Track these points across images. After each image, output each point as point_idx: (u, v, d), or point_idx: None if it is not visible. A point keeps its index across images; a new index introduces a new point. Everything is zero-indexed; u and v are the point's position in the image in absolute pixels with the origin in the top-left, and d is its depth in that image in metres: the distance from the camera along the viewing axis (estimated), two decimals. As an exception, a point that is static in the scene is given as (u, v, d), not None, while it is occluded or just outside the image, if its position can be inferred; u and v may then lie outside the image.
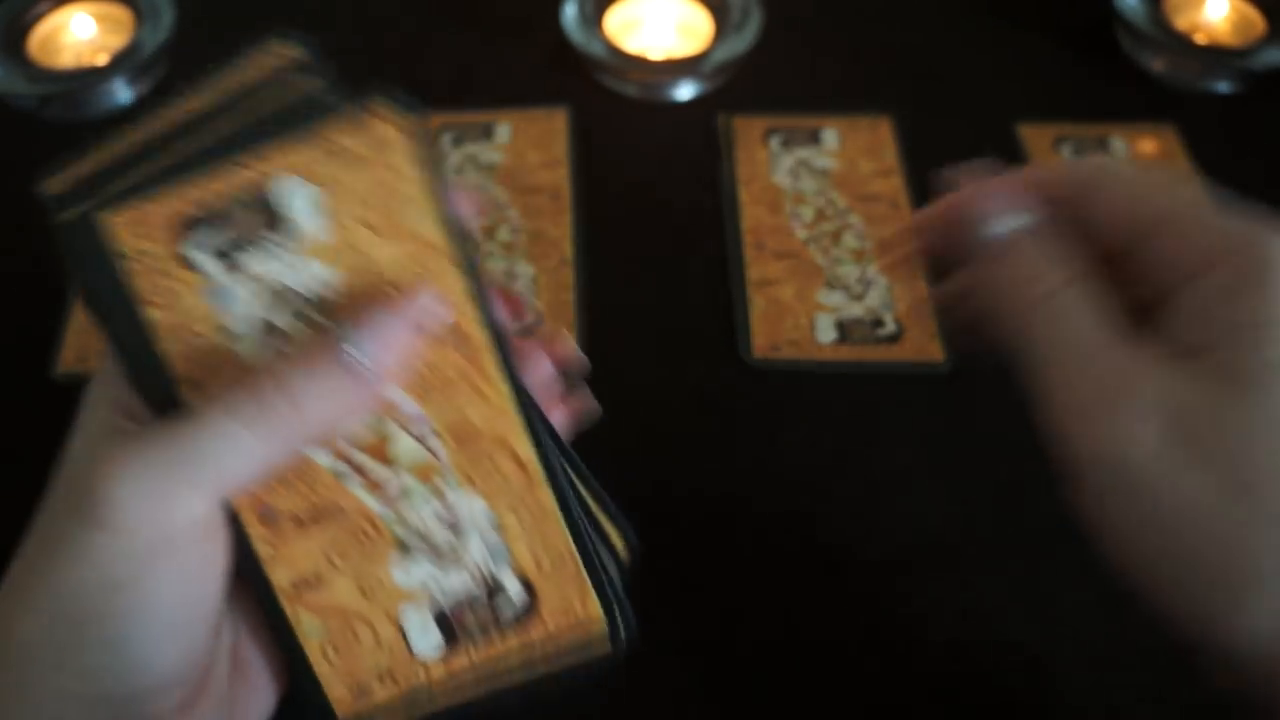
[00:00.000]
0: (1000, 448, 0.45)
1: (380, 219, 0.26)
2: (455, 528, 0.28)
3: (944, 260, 0.31)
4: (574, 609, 0.29)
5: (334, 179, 0.26)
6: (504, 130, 0.56)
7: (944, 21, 0.62)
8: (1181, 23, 0.59)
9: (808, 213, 0.53)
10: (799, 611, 0.41)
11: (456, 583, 0.28)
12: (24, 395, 0.47)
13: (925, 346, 0.48)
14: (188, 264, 0.26)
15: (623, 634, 0.29)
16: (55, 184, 0.27)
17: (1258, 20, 0.59)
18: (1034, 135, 0.56)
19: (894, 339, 0.48)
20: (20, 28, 0.58)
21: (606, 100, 0.57)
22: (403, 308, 0.26)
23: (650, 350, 0.48)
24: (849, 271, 0.50)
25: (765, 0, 0.59)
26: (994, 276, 0.29)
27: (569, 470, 0.29)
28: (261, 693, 0.29)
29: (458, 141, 0.55)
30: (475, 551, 0.28)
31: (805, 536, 0.43)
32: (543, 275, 0.50)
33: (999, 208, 0.29)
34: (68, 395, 0.46)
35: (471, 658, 0.29)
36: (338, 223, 0.26)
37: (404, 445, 0.28)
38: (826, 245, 0.51)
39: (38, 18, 0.58)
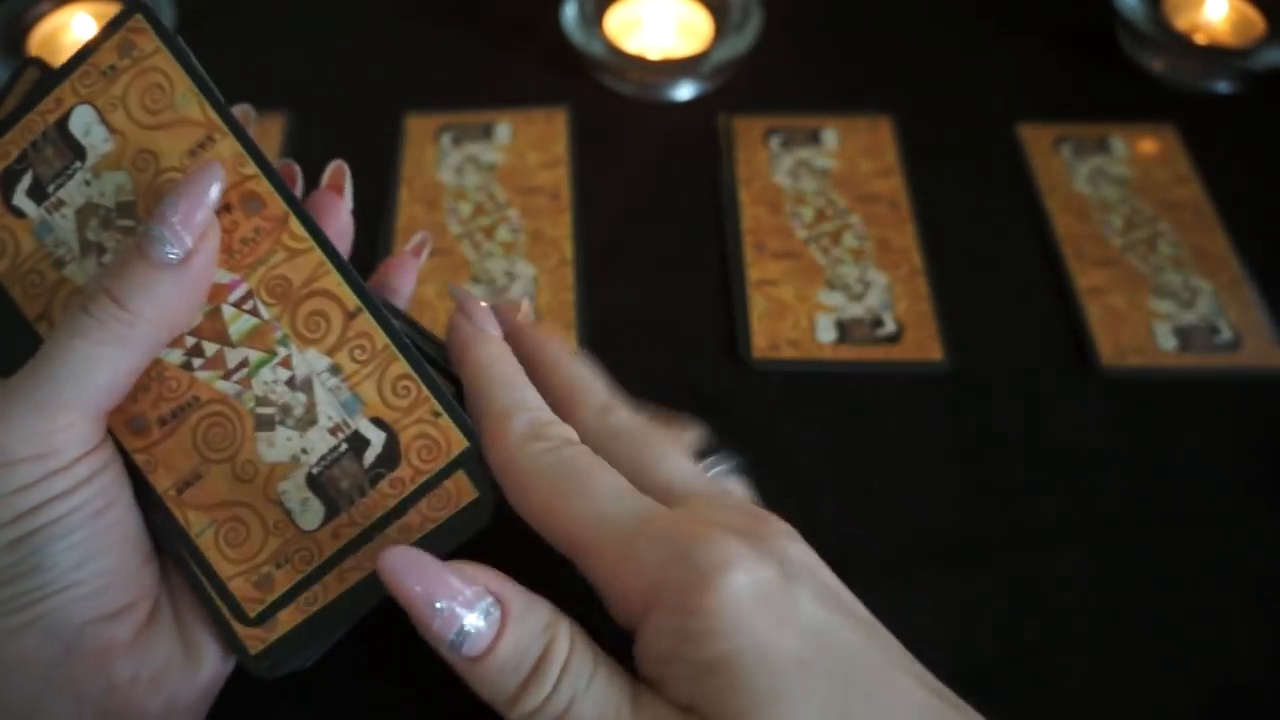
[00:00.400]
0: (1000, 448, 0.45)
1: (152, 116, 0.29)
2: (302, 386, 0.29)
3: None
4: (433, 437, 0.29)
5: (106, 94, 0.29)
6: (504, 130, 0.56)
7: (944, 21, 0.62)
8: (1181, 23, 0.59)
9: (808, 213, 0.53)
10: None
11: (318, 442, 0.29)
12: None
13: (925, 346, 0.48)
14: (14, 211, 0.30)
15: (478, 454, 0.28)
16: None
17: (1258, 20, 0.59)
18: (1034, 135, 0.56)
19: (894, 339, 0.48)
20: (20, 28, 0.58)
21: (606, 100, 0.57)
22: (182, 185, 0.28)
23: (650, 350, 0.48)
24: (849, 271, 0.50)
25: (765, 0, 0.59)
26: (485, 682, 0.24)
27: (383, 305, 0.30)
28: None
29: (457, 141, 0.55)
30: (327, 405, 0.29)
31: (804, 536, 0.43)
32: (543, 275, 0.50)
33: (458, 602, 0.24)
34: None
35: (354, 519, 0.29)
36: (119, 131, 0.29)
37: (232, 318, 0.29)
38: (826, 245, 0.51)
39: (38, 18, 0.58)
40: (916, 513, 0.43)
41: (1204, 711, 0.39)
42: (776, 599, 0.24)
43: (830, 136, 0.56)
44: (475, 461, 0.28)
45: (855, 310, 0.49)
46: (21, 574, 0.26)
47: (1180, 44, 0.57)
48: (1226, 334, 0.48)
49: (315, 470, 0.29)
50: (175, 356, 0.29)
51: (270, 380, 0.29)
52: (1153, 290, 0.50)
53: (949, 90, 0.58)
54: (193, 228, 0.27)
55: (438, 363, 0.31)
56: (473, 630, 0.24)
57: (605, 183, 0.54)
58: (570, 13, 0.58)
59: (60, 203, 0.29)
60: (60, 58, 0.58)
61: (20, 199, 0.30)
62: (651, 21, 0.59)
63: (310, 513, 0.29)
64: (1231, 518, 0.43)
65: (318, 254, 0.29)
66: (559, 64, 0.59)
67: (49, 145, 0.29)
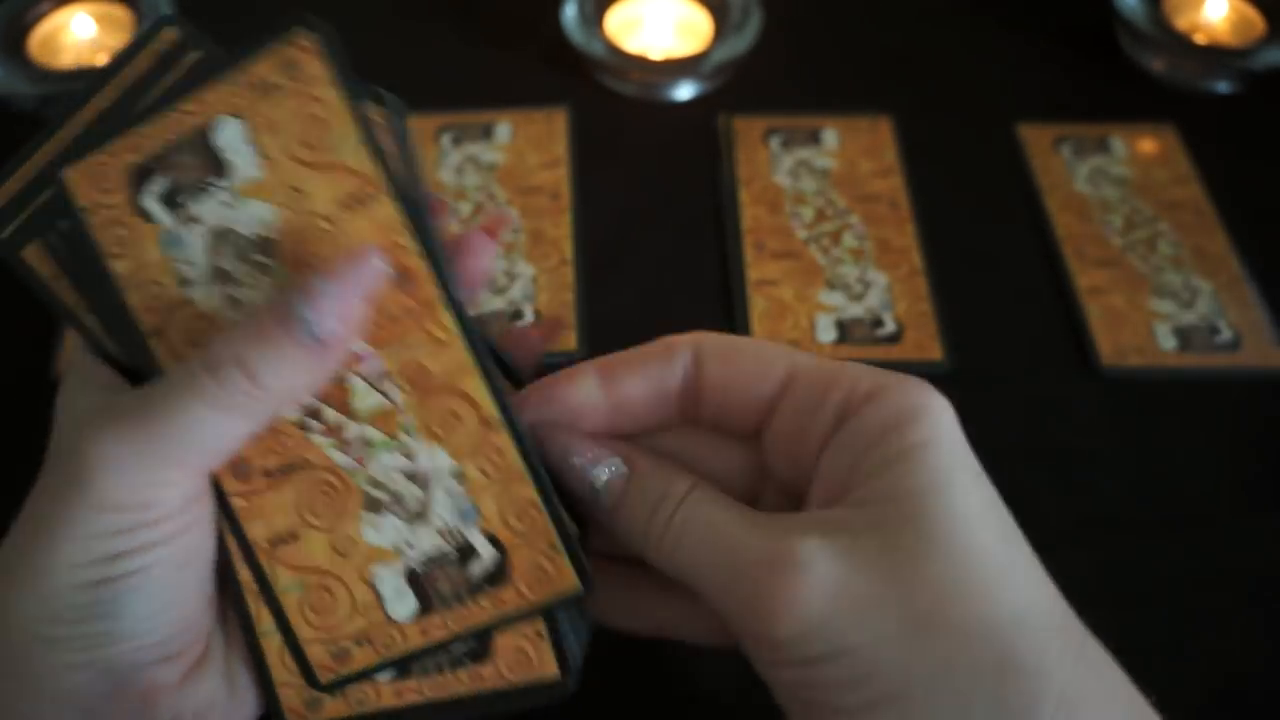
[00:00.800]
0: (1001, 447, 0.45)
1: (308, 151, 0.27)
2: (420, 482, 0.28)
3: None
4: (545, 569, 0.28)
5: (260, 113, 0.27)
6: (504, 130, 0.56)
7: (944, 21, 0.62)
8: (1181, 23, 0.59)
9: (808, 213, 0.53)
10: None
11: (426, 542, 0.28)
12: (24, 395, 0.47)
13: (925, 346, 0.48)
14: (143, 214, 0.27)
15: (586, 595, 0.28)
16: None
17: (1257, 20, 0.59)
18: (1034, 135, 0.56)
19: (894, 339, 0.48)
20: (20, 28, 0.58)
21: (606, 100, 0.57)
22: (342, 269, 0.26)
23: (650, 350, 0.48)
24: (849, 271, 0.50)
25: (765, 0, 0.59)
26: (622, 529, 0.28)
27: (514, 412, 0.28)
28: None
29: (458, 141, 0.55)
30: (442, 508, 0.28)
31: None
32: (543, 275, 0.50)
33: (588, 461, 0.28)
34: (68, 395, 0.46)
35: (447, 623, 0.28)
36: (270, 159, 0.27)
37: (361, 393, 0.28)
38: (826, 245, 0.51)
39: (38, 18, 0.58)
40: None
41: (1204, 710, 0.39)
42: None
43: (830, 136, 0.56)
44: (583, 600, 0.28)
45: (855, 310, 0.49)
46: (94, 616, 0.25)
47: (1180, 44, 0.57)
48: (1226, 334, 0.48)
49: (417, 567, 0.28)
50: (292, 413, 0.28)
51: (389, 466, 0.28)
52: (1152, 290, 0.50)
53: (949, 90, 0.58)
54: (344, 319, 0.26)
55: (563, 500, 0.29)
56: (604, 479, 0.28)
57: (605, 183, 0.54)
58: (570, 13, 0.58)
59: (194, 219, 0.27)
60: (60, 57, 0.58)
61: (149, 202, 0.27)
62: (651, 21, 0.59)
63: (403, 604, 0.28)
64: (1231, 517, 0.43)
65: (463, 351, 0.27)
66: (559, 64, 0.59)
67: (189, 153, 0.27)
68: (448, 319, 0.27)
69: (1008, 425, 0.46)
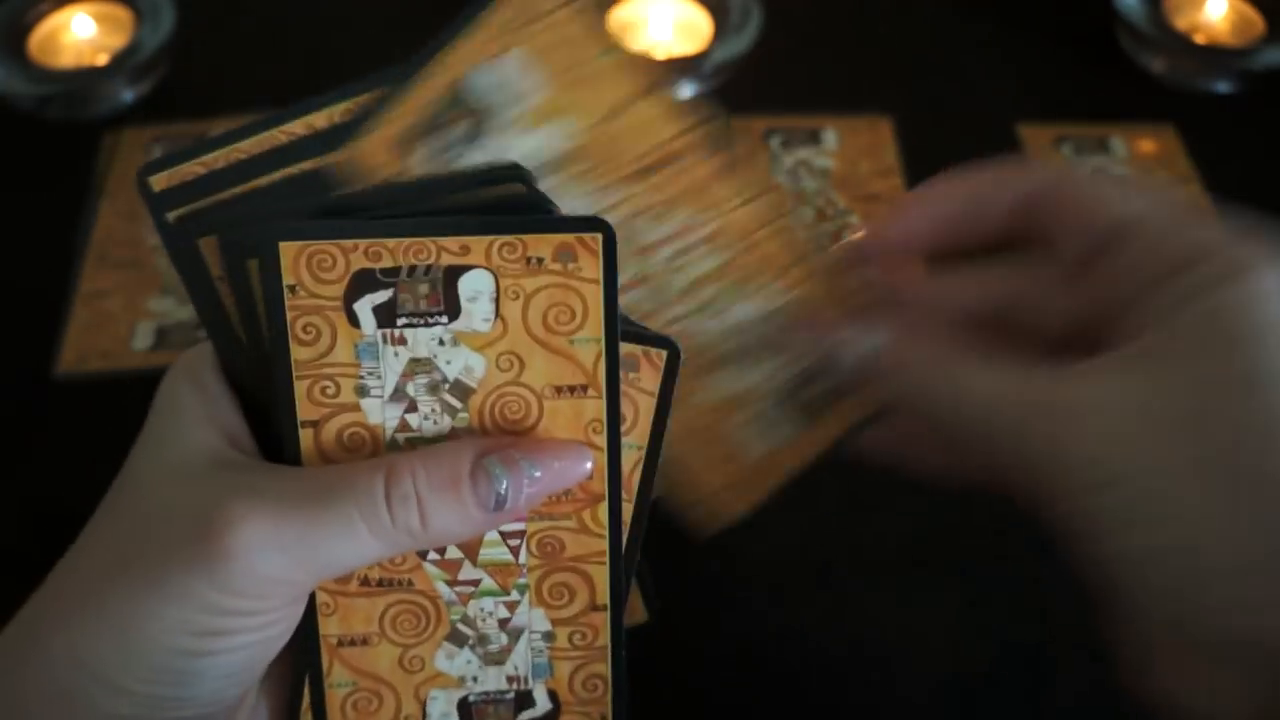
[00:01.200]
0: (1000, 448, 0.45)
1: (545, 331, 0.27)
2: (510, 632, 0.29)
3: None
4: None
5: (517, 282, 0.26)
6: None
7: (944, 21, 0.62)
8: (1181, 23, 0.59)
9: (808, 213, 0.53)
10: (798, 612, 0.41)
11: (491, 680, 0.29)
12: (24, 395, 0.47)
13: (925, 346, 0.48)
14: (351, 317, 0.26)
15: None
16: (160, 180, 0.28)
17: (1257, 20, 0.59)
18: (1034, 135, 0.56)
19: (894, 339, 0.48)
20: (20, 28, 0.58)
21: (606, 100, 0.57)
22: (557, 466, 0.26)
23: (650, 350, 0.48)
24: (849, 271, 0.50)
25: (765, 0, 0.59)
26: (897, 393, 0.29)
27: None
28: None
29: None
30: (520, 659, 0.29)
31: (804, 537, 0.43)
32: (543, 275, 0.50)
33: (853, 335, 0.30)
34: (68, 395, 0.46)
35: None
36: (505, 322, 0.26)
37: (492, 544, 0.28)
38: (827, 245, 0.51)
39: (38, 18, 0.58)
40: (916, 513, 0.43)
41: (1204, 711, 0.39)
42: None
43: (830, 136, 0.56)
44: None
45: (855, 310, 0.49)
46: (169, 682, 0.25)
47: (1180, 44, 0.57)
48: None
49: (473, 698, 0.29)
50: None
51: (487, 610, 0.28)
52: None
53: (949, 90, 0.58)
54: (532, 501, 0.26)
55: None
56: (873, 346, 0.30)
57: (605, 183, 0.54)
58: (570, 13, 0.58)
59: (402, 340, 0.26)
60: (60, 57, 0.58)
61: (363, 307, 0.26)
62: (652, 22, 0.59)
63: None
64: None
65: (604, 546, 0.28)
66: (559, 64, 0.59)
67: (427, 283, 0.26)
68: (604, 515, 0.28)
69: (1008, 425, 0.46)
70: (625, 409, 0.27)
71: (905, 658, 0.40)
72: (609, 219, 0.26)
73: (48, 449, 0.45)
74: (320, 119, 0.28)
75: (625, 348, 0.26)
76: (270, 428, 0.27)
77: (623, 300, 0.27)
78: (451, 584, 0.28)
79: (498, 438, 0.27)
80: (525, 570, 0.28)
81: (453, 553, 0.28)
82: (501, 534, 0.28)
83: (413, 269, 0.26)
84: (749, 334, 0.30)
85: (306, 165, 0.28)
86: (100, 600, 0.25)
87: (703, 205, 0.29)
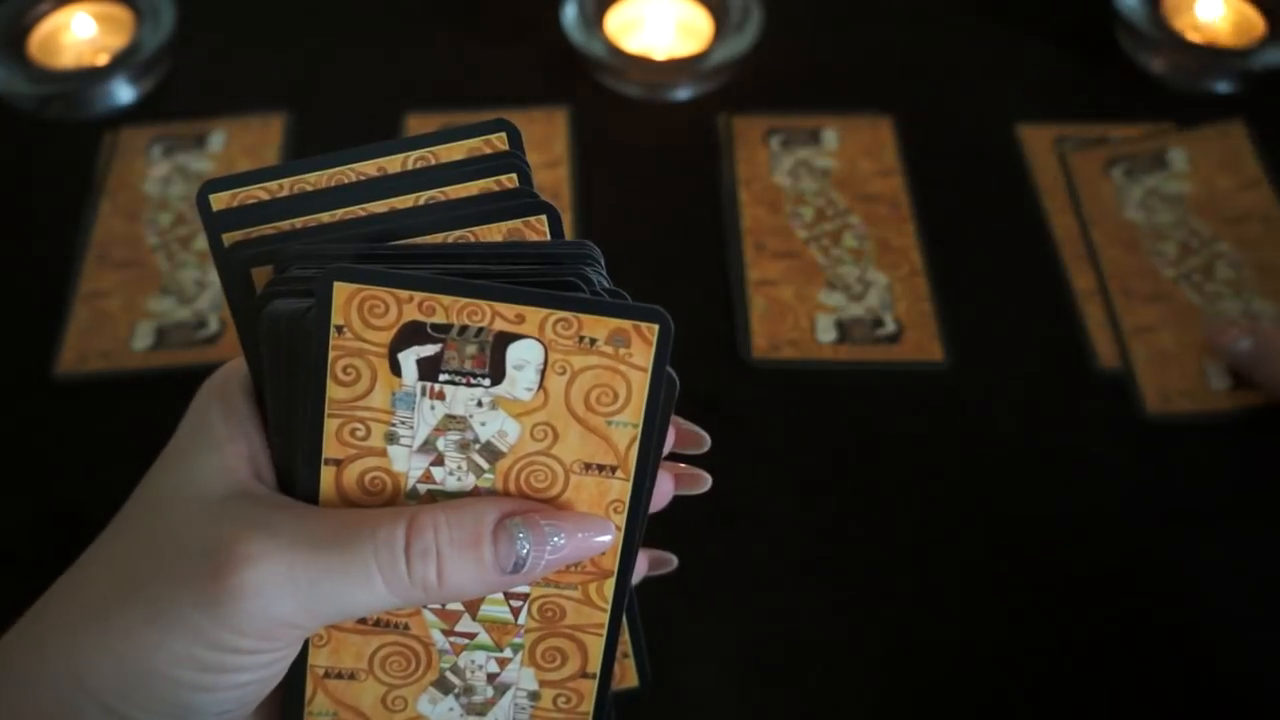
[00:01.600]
0: (1000, 447, 0.45)
1: (585, 409, 0.27)
2: (497, 687, 0.29)
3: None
4: None
5: (567, 357, 0.26)
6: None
7: (944, 21, 0.62)
8: (1181, 23, 0.59)
9: (808, 213, 0.53)
10: (798, 611, 0.41)
11: None
12: (24, 395, 0.47)
13: (925, 346, 0.48)
14: (394, 365, 0.26)
15: None
16: (220, 199, 0.28)
17: (1257, 20, 0.59)
18: (1034, 135, 0.56)
19: (894, 339, 0.48)
20: (20, 28, 0.58)
21: (606, 100, 0.57)
22: (580, 538, 0.27)
23: (650, 350, 0.48)
24: (849, 271, 0.50)
25: (765, 0, 0.59)
26: (1258, 356, 0.46)
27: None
28: None
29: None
30: (502, 712, 0.29)
31: (805, 535, 0.43)
32: (543, 275, 0.50)
33: (1234, 338, 0.46)
34: (68, 395, 0.46)
35: None
36: (547, 394, 0.27)
37: (493, 602, 0.28)
38: (826, 245, 0.51)
39: (38, 18, 0.58)
40: (916, 512, 0.43)
41: (1206, 709, 0.39)
42: None
43: (830, 136, 0.56)
44: None
45: (855, 310, 0.49)
46: (167, 714, 0.25)
47: (1180, 44, 0.57)
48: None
49: None
50: None
51: (478, 663, 0.29)
52: (1153, 290, 0.50)
53: (949, 90, 0.58)
54: (552, 566, 0.26)
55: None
56: (1244, 346, 0.46)
57: (605, 183, 0.54)
58: (570, 13, 0.58)
59: (440, 395, 0.26)
60: (60, 57, 0.58)
61: (407, 357, 0.26)
62: (652, 22, 0.59)
63: None
64: (1231, 517, 0.43)
65: (604, 619, 0.29)
66: (559, 64, 0.59)
67: (476, 345, 0.26)
68: (609, 591, 0.28)
69: (1008, 425, 0.46)
70: (617, 385, 0.27)
71: (905, 656, 0.40)
72: None
73: (47, 449, 0.45)
74: (393, 163, 0.28)
75: (614, 322, 0.26)
76: (302, 471, 0.27)
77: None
78: (447, 634, 0.28)
79: (523, 500, 0.27)
80: (522, 631, 0.29)
81: (454, 605, 0.28)
82: (505, 594, 0.28)
83: (464, 329, 0.26)
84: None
85: (373, 207, 0.28)
86: (106, 623, 0.25)
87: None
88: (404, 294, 0.26)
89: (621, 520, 0.28)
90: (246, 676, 0.26)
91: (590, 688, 0.29)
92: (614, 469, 0.27)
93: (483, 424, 0.27)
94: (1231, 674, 0.39)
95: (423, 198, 0.28)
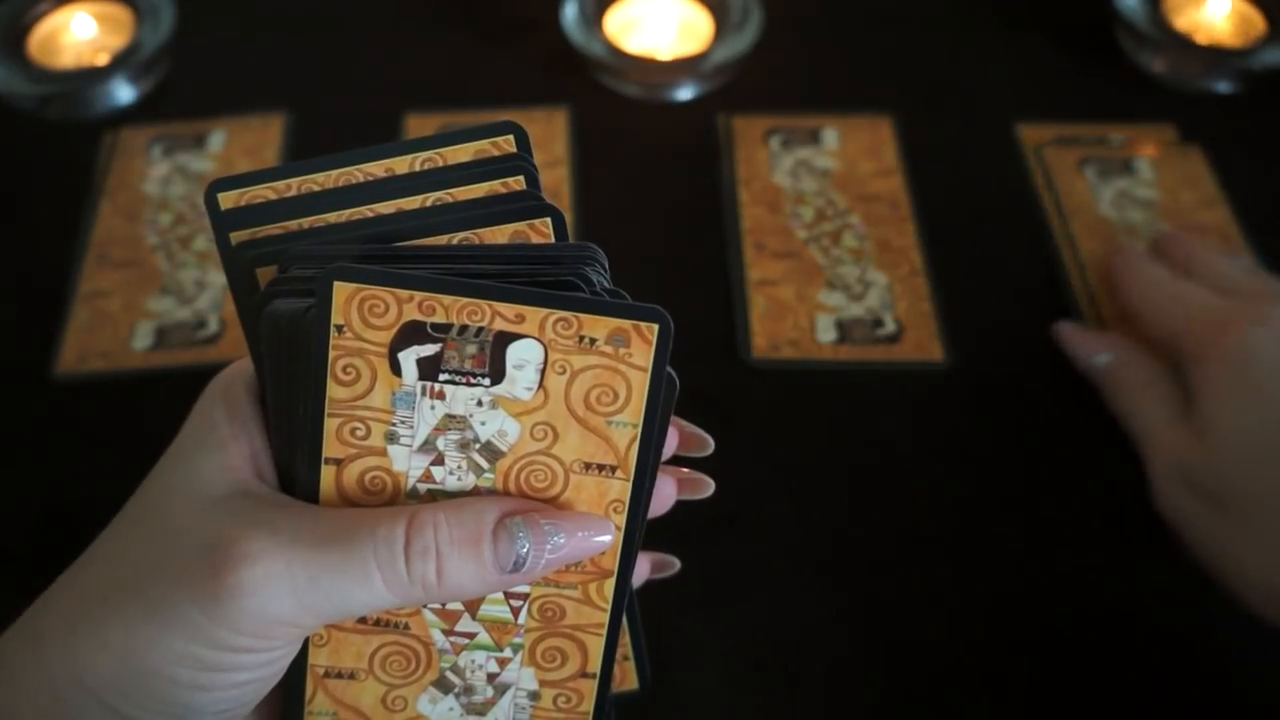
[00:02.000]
0: (1000, 447, 0.45)
1: (585, 409, 0.27)
2: (497, 687, 0.29)
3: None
4: None
5: (567, 357, 0.26)
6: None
7: (943, 22, 0.62)
8: (1181, 23, 0.59)
9: (808, 213, 0.53)
10: (798, 611, 0.41)
11: None
12: (24, 395, 0.47)
13: (925, 346, 0.48)
14: (395, 365, 0.26)
15: None
16: (228, 198, 0.28)
17: (1258, 20, 0.59)
18: (1035, 135, 0.56)
19: (894, 339, 0.48)
20: (20, 28, 0.58)
21: (606, 100, 0.57)
22: (581, 537, 0.27)
23: (650, 350, 0.48)
24: (849, 271, 0.50)
25: (765, 0, 0.59)
26: (1109, 386, 0.45)
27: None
28: None
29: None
30: (502, 712, 0.29)
31: (805, 536, 0.43)
32: (543, 275, 0.50)
33: (1095, 349, 0.46)
34: (67, 395, 0.46)
35: None
36: (547, 393, 0.27)
37: (493, 602, 0.28)
38: (826, 245, 0.51)
39: (38, 18, 0.58)
40: (916, 513, 0.43)
41: (1207, 709, 0.39)
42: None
43: (830, 136, 0.56)
44: None
45: (855, 310, 0.49)
46: (167, 713, 0.25)
47: (1180, 44, 0.57)
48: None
49: None
50: None
51: (478, 663, 0.29)
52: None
53: (949, 90, 0.58)
54: (551, 566, 0.27)
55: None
56: (1102, 362, 0.45)
57: (605, 183, 0.54)
58: (570, 13, 0.58)
59: (440, 395, 0.26)
60: (60, 57, 0.58)
61: (407, 357, 0.26)
62: (652, 22, 0.59)
63: None
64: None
65: (604, 619, 0.29)
66: (559, 64, 0.59)
67: (476, 345, 0.26)
68: (609, 591, 0.28)
69: (1008, 425, 0.46)
70: (617, 386, 0.27)
71: (905, 655, 0.40)
72: None
73: (47, 449, 0.45)
74: (401, 164, 0.28)
75: (613, 322, 0.26)
76: (286, 459, 0.27)
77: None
78: (447, 634, 0.28)
79: (522, 500, 0.27)
80: (522, 631, 0.29)
81: (454, 604, 0.28)
82: (505, 594, 0.28)
83: (464, 328, 0.26)
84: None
85: (380, 208, 0.28)
86: (105, 621, 0.25)
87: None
88: (404, 293, 0.26)
89: (621, 520, 0.28)
90: (245, 675, 0.26)
91: (590, 688, 0.29)
92: (614, 469, 0.27)
93: (483, 423, 0.27)
94: (1234, 673, 0.39)
95: (429, 199, 0.28)
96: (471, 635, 0.29)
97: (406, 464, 0.27)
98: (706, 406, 0.45)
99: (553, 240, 0.28)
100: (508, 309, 0.26)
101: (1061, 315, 0.49)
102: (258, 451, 0.27)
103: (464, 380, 0.26)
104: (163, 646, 0.24)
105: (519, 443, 0.27)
